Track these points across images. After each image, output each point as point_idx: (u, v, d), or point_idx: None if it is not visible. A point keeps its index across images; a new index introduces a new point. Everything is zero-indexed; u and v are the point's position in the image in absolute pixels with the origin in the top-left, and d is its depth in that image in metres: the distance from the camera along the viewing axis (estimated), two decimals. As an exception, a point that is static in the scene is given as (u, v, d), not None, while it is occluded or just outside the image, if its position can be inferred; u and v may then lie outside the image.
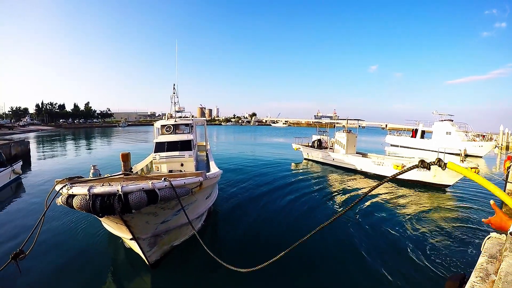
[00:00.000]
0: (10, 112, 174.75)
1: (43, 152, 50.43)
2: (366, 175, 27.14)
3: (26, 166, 33.32)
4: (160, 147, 17.81)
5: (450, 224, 15.40)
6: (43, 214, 7.12)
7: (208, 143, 27.77)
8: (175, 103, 23.80)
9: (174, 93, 23.70)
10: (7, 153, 34.11)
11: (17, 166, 26.04)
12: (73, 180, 8.77)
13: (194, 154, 18.37)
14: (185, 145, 17.92)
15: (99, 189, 7.45)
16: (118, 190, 7.38)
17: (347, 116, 35.13)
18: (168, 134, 20.57)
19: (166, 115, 24.79)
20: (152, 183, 7.84)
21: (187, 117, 25.11)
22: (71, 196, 7.66)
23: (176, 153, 17.47)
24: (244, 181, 24.03)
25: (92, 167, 10.73)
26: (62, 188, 8.03)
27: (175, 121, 21.58)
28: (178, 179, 8.79)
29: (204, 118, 33.11)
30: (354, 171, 28.46)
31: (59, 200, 8.00)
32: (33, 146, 57.10)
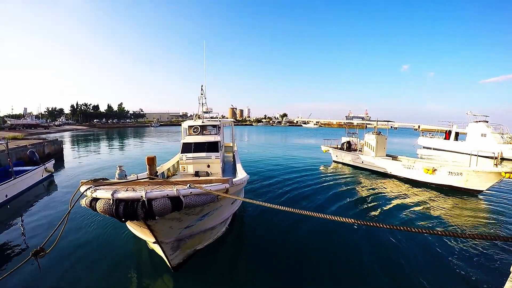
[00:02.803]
0: (46, 112, 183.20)
1: (77, 151, 52.71)
2: (396, 178, 26.45)
3: (59, 164, 35.15)
4: (187, 147, 18.01)
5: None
6: (67, 214, 7.28)
7: (235, 144, 27.87)
8: (202, 104, 24.11)
9: (201, 94, 24.00)
10: (41, 152, 35.92)
11: (50, 164, 27.35)
12: (98, 182, 8.97)
13: (220, 155, 18.47)
14: (212, 146, 18.04)
15: (122, 194, 7.52)
16: (142, 196, 7.41)
17: (376, 118, 34.30)
18: (195, 135, 20.85)
19: (194, 116, 25.10)
20: (177, 189, 7.81)
21: (214, 118, 25.42)
22: (95, 200, 7.78)
23: (203, 154, 17.58)
24: (272, 183, 23.98)
25: (118, 168, 10.95)
26: (86, 190, 8.19)
27: (203, 122, 21.83)
28: (204, 185, 8.71)
29: (232, 119, 33.19)
30: (384, 175, 27.76)
31: (83, 202, 8.13)
32: (67, 145, 60.02)
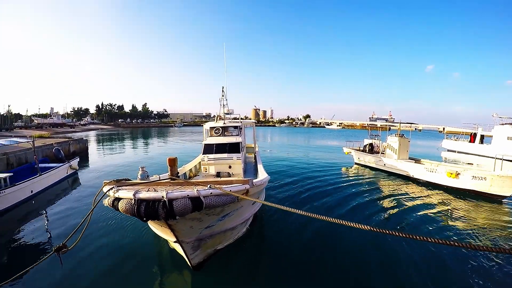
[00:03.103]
0: (72, 112, 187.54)
1: (102, 149, 53.90)
2: (419, 182, 25.62)
3: (84, 162, 36.09)
4: (208, 148, 18.06)
5: (501, 241, 13.89)
6: (90, 213, 7.29)
7: (256, 145, 27.73)
8: (224, 105, 24.15)
9: (222, 95, 24.09)
10: (66, 150, 37.00)
11: (74, 162, 28.01)
12: (120, 182, 9.10)
13: (242, 156, 18.43)
14: (233, 147, 18.02)
15: (144, 194, 7.67)
16: (163, 196, 7.53)
17: (400, 120, 33.46)
18: (217, 136, 20.93)
19: (216, 117, 25.11)
20: (197, 190, 7.91)
21: (236, 119, 25.47)
22: (117, 199, 7.96)
23: (225, 155, 17.60)
24: (293, 184, 23.78)
25: (141, 169, 10.97)
26: (109, 190, 8.34)
27: (224, 123, 21.87)
28: (224, 186, 8.78)
29: (253, 120, 33.11)
30: (406, 178, 26.90)
31: (106, 202, 8.30)
32: (92, 144, 61.57)
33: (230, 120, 24.05)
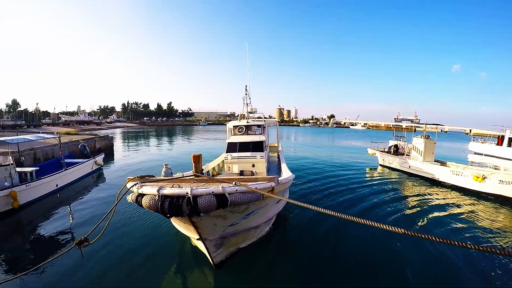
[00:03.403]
0: (99, 110, 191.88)
1: (127, 146, 55.13)
2: (444, 185, 24.63)
3: (109, 158, 36.96)
4: (232, 147, 18.06)
5: None
6: (113, 208, 7.29)
7: (279, 144, 27.63)
8: (247, 104, 24.18)
9: (246, 94, 24.08)
10: (92, 146, 37.81)
11: (99, 158, 28.69)
12: (144, 179, 9.10)
13: (265, 155, 18.30)
14: (257, 146, 17.96)
15: (168, 190, 7.57)
16: (187, 193, 7.39)
17: (426, 120, 32.43)
18: (241, 134, 20.99)
19: (239, 116, 25.15)
20: (222, 187, 7.76)
21: (259, 118, 25.37)
22: (141, 195, 7.92)
23: (248, 153, 17.51)
24: (317, 184, 23.46)
25: (164, 166, 10.95)
26: (133, 186, 8.34)
27: (247, 122, 21.89)
28: (249, 183, 8.59)
29: (276, 119, 32.91)
30: (432, 181, 26.04)
31: (129, 198, 8.30)
32: (118, 141, 63.03)
33: (253, 119, 24.03)
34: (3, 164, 16.27)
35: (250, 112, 24.37)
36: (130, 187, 8.37)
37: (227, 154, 17.76)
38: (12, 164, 16.64)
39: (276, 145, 27.37)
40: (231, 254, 10.73)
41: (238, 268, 10.65)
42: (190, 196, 7.35)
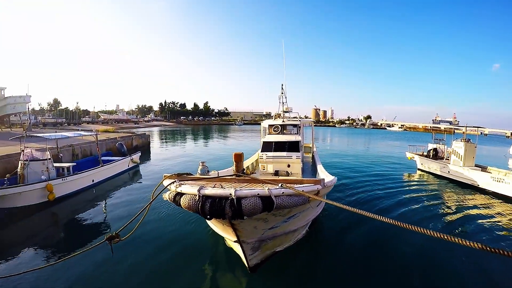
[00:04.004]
0: (137, 109, 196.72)
1: (164, 145, 56.32)
2: (486, 192, 22.80)
3: (146, 156, 37.68)
4: (267, 146, 17.87)
5: None
6: (148, 205, 7.07)
7: (314, 145, 27.25)
8: (283, 103, 23.87)
9: (282, 93, 23.80)
10: (129, 144, 38.69)
11: (136, 156, 29.26)
12: (182, 176, 8.87)
13: (301, 155, 18.00)
14: (293, 146, 17.68)
15: (210, 190, 7.25)
16: (231, 194, 7.02)
17: (465, 123, 30.77)
18: (276, 134, 20.76)
19: (274, 115, 24.79)
20: (268, 189, 7.33)
21: (295, 117, 24.95)
22: (180, 194, 7.68)
23: (284, 153, 17.24)
24: (353, 187, 22.68)
25: (201, 164, 10.78)
26: (170, 184, 8.14)
27: (283, 121, 21.59)
28: (296, 186, 8.22)
29: (312, 119, 32.40)
30: (473, 188, 24.31)
31: (166, 196, 8.12)
32: (155, 139, 64.73)
33: (289, 118, 23.67)
34: (40, 158, 16.88)
35: (286, 111, 23.95)
36: (167, 185, 8.17)
37: (262, 153, 17.56)
38: (49, 159, 17.28)
39: (310, 145, 27.03)
40: (266, 257, 10.33)
41: (272, 272, 10.29)
42: (234, 197, 6.98)
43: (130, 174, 26.44)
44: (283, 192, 7.48)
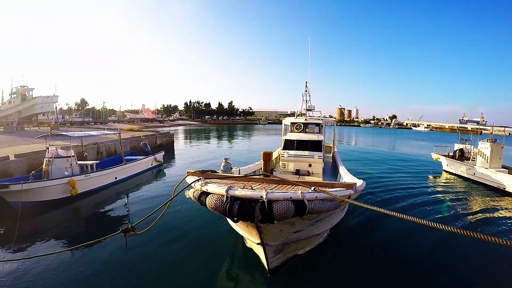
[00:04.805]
0: (162, 109, 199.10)
1: (188, 143, 57.25)
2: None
3: (170, 155, 38.33)
4: (289, 144, 17.77)
5: None
6: (169, 201, 7.06)
7: (335, 145, 26.92)
8: (306, 101, 23.71)
9: (306, 91, 23.64)
10: (153, 143, 39.40)
11: (159, 155, 29.75)
12: (206, 174, 8.67)
13: (323, 155, 17.79)
14: (315, 145, 17.50)
15: (240, 191, 6.82)
16: (262, 196, 6.57)
17: (492, 123, 29.40)
18: (298, 132, 20.69)
19: (296, 113, 24.66)
20: (301, 192, 6.89)
21: (318, 116, 24.68)
22: (205, 194, 7.36)
23: (306, 152, 17.11)
24: (376, 189, 21.91)
25: (224, 160, 10.68)
26: (195, 182, 7.86)
27: (305, 119, 21.40)
28: (329, 190, 7.78)
29: (334, 119, 31.89)
30: (500, 191, 22.82)
31: (190, 194, 7.89)
32: (180, 138, 66.30)
33: (311, 117, 23.46)
34: (64, 156, 17.48)
35: (309, 110, 23.80)
36: (192, 183, 7.93)
37: (283, 151, 17.46)
38: (73, 156, 17.89)
39: (331, 145, 26.75)
40: (287, 260, 9.92)
41: (292, 275, 10.00)
42: (265, 200, 6.54)
43: (154, 173, 26.88)
44: (316, 197, 7.13)
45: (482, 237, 3.32)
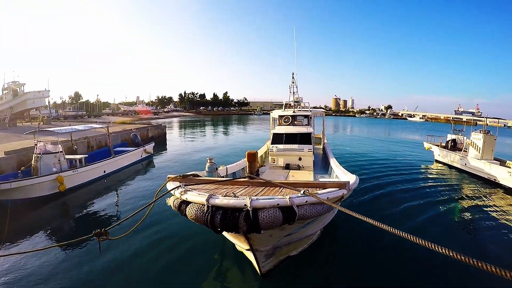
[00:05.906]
0: (156, 100, 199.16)
1: (182, 135, 57.64)
2: (503, 188, 21.60)
3: (162, 147, 38.75)
4: (278, 138, 17.51)
5: None
6: (151, 205, 6.62)
7: (325, 137, 26.64)
8: (294, 92, 23.22)
9: (293, 82, 23.20)
10: (144, 135, 39.70)
11: (149, 146, 30.14)
12: (188, 178, 8.37)
13: (313, 148, 17.47)
14: (304, 138, 17.26)
15: (221, 200, 6.31)
16: (246, 205, 6.05)
17: (486, 114, 29.52)
18: (286, 125, 20.33)
19: (283, 105, 24.08)
20: (290, 197, 6.41)
21: (306, 108, 24.58)
22: (185, 203, 6.95)
23: (295, 146, 16.84)
24: (368, 180, 21.61)
25: (208, 160, 10.41)
26: (175, 188, 7.50)
27: (294, 111, 21.22)
28: (320, 192, 7.44)
29: (322, 109, 31.64)
30: (491, 183, 23.14)
31: (170, 202, 7.52)
32: (174, 129, 66.85)
33: (299, 109, 23.44)
34: (53, 151, 17.78)
35: (296, 101, 23.51)
36: (172, 189, 7.55)
37: (272, 145, 17.23)
38: (61, 151, 18.15)
39: (320, 136, 26.42)
40: (279, 262, 9.49)
41: (286, 277, 9.65)
42: (249, 209, 6.02)
43: (143, 164, 27.35)
44: (306, 201, 6.65)
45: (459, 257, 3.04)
